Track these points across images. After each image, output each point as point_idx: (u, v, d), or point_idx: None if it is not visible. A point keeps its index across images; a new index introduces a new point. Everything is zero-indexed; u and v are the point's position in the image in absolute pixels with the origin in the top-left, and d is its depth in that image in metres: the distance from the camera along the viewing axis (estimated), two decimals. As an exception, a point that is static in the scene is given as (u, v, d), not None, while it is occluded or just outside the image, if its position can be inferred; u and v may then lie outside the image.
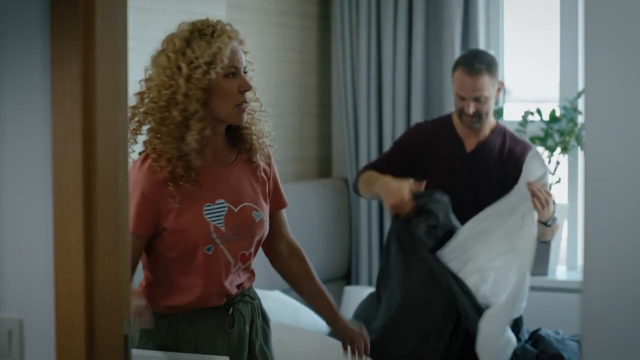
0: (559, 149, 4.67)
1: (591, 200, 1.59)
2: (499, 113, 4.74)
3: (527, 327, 4.09)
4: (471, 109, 3.74)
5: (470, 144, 3.83)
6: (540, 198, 3.50)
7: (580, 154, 4.79)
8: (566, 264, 4.90)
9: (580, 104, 4.64)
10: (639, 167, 1.56)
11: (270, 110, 4.84)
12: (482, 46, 4.86)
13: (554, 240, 4.70)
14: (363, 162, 5.00)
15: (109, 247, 1.63)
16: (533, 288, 4.71)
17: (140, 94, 2.58)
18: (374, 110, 4.98)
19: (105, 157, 1.61)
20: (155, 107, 2.52)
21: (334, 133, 5.24)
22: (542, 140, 4.67)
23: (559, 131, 4.65)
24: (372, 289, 4.16)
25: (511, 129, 4.76)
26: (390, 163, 3.87)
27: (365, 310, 3.75)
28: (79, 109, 1.59)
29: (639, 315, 1.56)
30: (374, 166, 3.89)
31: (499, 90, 3.83)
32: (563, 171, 4.75)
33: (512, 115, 4.92)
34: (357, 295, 4.40)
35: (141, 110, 2.55)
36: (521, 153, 3.80)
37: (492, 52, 4.97)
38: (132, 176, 2.49)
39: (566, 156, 4.71)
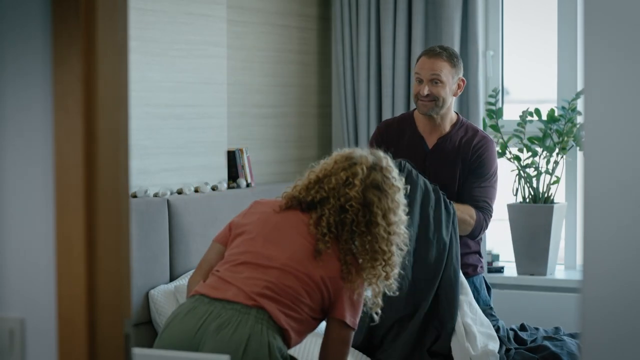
0: (557, 149, 4.68)
1: (590, 200, 1.60)
2: (498, 113, 4.75)
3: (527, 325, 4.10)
4: (425, 90, 3.79)
5: (431, 141, 3.88)
6: None
7: (579, 154, 4.80)
8: (564, 264, 4.91)
9: (579, 105, 4.65)
10: (638, 167, 1.57)
11: (271, 111, 4.88)
12: (480, 46, 4.87)
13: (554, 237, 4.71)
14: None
15: (111, 246, 1.63)
16: (531, 287, 4.73)
17: None
18: (373, 110, 4.99)
19: (106, 157, 1.62)
20: None
21: (334, 133, 5.25)
22: (541, 141, 4.67)
23: (558, 131, 4.66)
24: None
25: (509, 129, 4.76)
26: None
27: None
28: (80, 110, 1.59)
29: (637, 315, 1.57)
30: None
31: (459, 86, 3.87)
32: (561, 171, 4.76)
33: (510, 115, 4.93)
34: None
35: None
36: (477, 141, 3.84)
37: (490, 53, 4.99)
38: None
39: (564, 156, 4.72)
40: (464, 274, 3.81)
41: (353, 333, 2.97)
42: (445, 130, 3.88)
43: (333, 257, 2.93)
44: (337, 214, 2.94)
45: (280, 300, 2.87)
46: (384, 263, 2.93)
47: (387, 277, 2.95)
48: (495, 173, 3.89)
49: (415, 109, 3.99)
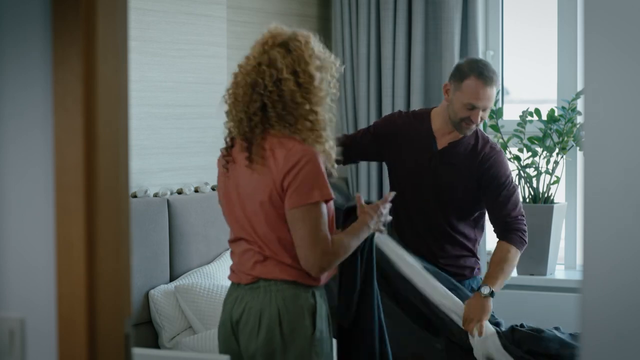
0: (557, 149, 4.68)
1: (590, 200, 1.60)
2: (498, 113, 4.75)
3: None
4: (479, 118, 3.74)
5: (442, 142, 3.84)
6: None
7: (579, 154, 4.80)
8: (564, 264, 4.91)
9: (579, 105, 4.65)
10: (638, 167, 1.57)
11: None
12: (481, 46, 4.87)
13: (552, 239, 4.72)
14: (363, 162, 5.01)
15: (110, 246, 1.63)
16: (531, 287, 4.73)
17: None
18: (373, 110, 4.99)
19: (106, 157, 1.62)
20: None
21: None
22: (541, 141, 4.68)
23: (557, 131, 4.66)
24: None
25: (509, 129, 4.77)
26: (359, 144, 3.90)
27: None
28: (80, 110, 1.59)
29: (637, 315, 1.57)
30: (344, 140, 3.90)
31: None
32: (561, 171, 4.76)
33: (510, 115, 4.93)
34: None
35: None
36: (487, 152, 3.83)
37: (490, 52, 4.99)
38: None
39: (564, 156, 4.72)
40: (460, 276, 3.82)
41: (315, 206, 2.76)
42: (459, 135, 3.85)
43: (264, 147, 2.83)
44: (248, 99, 2.82)
45: (271, 255, 2.83)
46: (309, 124, 2.78)
47: (318, 140, 2.80)
48: (511, 179, 3.89)
49: (432, 109, 3.94)
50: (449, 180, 3.81)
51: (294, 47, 2.81)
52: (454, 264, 3.87)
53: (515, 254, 3.82)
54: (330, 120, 2.85)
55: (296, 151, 2.77)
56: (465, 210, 3.85)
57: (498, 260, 3.78)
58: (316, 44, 2.86)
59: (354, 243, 2.91)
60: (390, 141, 3.88)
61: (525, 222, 3.86)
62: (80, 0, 1.58)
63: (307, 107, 2.78)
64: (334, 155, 2.86)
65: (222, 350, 2.94)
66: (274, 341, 2.79)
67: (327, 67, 2.84)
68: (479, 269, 3.96)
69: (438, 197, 3.81)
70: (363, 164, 5.01)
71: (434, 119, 3.86)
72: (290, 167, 2.76)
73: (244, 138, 2.83)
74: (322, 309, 2.86)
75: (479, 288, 3.74)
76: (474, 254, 3.93)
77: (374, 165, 4.98)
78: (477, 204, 3.86)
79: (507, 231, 3.82)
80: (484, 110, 3.73)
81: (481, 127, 3.93)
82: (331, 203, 2.85)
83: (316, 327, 2.83)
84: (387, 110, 4.93)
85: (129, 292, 1.68)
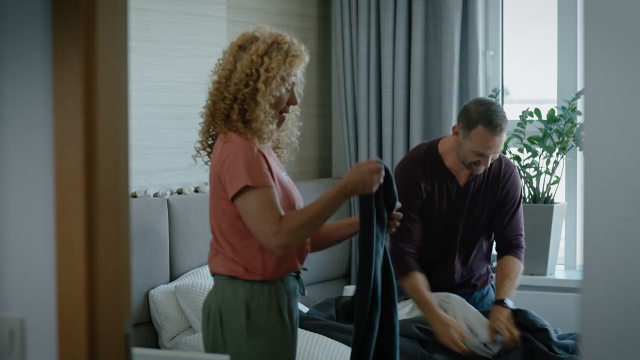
0: (557, 149, 4.68)
1: (590, 200, 1.60)
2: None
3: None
4: (489, 163, 3.76)
5: (462, 177, 3.86)
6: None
7: (579, 154, 4.80)
8: (564, 264, 4.91)
9: (579, 105, 4.65)
10: (638, 167, 1.57)
11: (270, 111, 4.86)
12: (481, 46, 4.87)
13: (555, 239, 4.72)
14: (362, 158, 5.00)
15: (110, 246, 1.63)
16: (531, 287, 4.73)
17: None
18: (373, 111, 4.99)
19: (106, 157, 1.62)
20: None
21: (334, 133, 5.25)
22: (541, 141, 4.68)
23: (558, 131, 4.66)
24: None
25: (510, 129, 4.77)
26: (417, 223, 3.87)
27: None
28: (80, 110, 1.59)
29: (637, 315, 1.57)
30: (411, 253, 3.87)
31: None
32: (561, 171, 4.76)
33: (510, 115, 4.92)
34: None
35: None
36: (504, 174, 3.89)
37: (490, 52, 4.98)
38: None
39: (564, 156, 4.72)
40: (472, 288, 3.97)
41: (247, 191, 2.80)
42: None
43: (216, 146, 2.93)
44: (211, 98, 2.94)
45: (220, 250, 2.94)
46: (235, 116, 2.84)
47: (258, 135, 2.84)
48: (522, 196, 3.98)
49: (439, 142, 3.93)
50: (476, 211, 3.88)
51: (248, 45, 2.87)
52: (469, 279, 4.00)
53: (520, 269, 3.95)
54: (268, 116, 2.89)
55: (230, 144, 2.84)
56: (489, 231, 3.95)
57: (515, 276, 3.91)
58: (277, 44, 2.87)
59: (325, 208, 2.89)
60: (422, 190, 3.87)
61: (524, 239, 4.01)
62: (80, 0, 1.58)
63: (226, 99, 2.87)
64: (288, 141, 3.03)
65: None
66: (217, 334, 2.87)
67: (273, 66, 2.85)
68: (491, 276, 4.04)
69: (464, 228, 3.93)
70: (363, 159, 5.00)
71: (444, 156, 3.87)
72: (224, 160, 2.85)
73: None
74: (261, 301, 2.87)
75: (501, 301, 3.79)
76: (487, 260, 4.02)
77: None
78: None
79: (516, 248, 3.96)
80: (493, 154, 3.76)
81: None
82: (288, 187, 2.92)
83: (250, 320, 2.85)
84: (387, 110, 4.93)
85: (129, 292, 1.68)
